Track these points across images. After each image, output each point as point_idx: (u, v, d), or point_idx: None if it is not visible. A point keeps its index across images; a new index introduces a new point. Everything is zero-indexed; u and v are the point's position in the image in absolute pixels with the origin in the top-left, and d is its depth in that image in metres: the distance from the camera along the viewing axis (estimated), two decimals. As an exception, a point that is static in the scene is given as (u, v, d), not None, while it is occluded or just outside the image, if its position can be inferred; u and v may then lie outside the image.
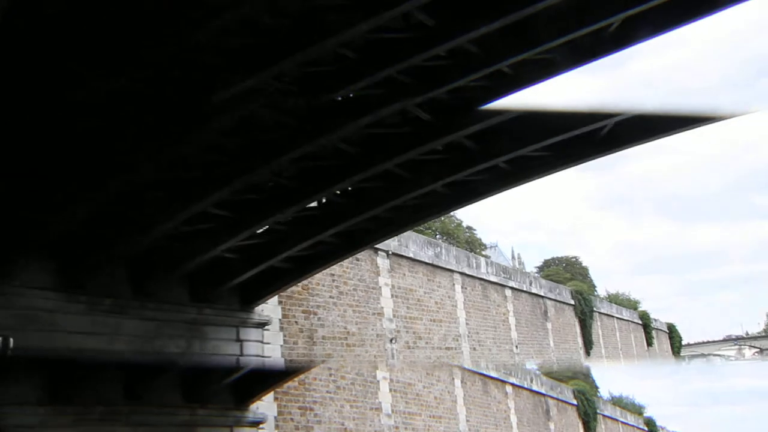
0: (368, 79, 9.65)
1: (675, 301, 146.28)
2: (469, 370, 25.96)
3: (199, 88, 8.77)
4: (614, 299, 56.43)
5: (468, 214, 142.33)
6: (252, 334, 15.51)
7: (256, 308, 15.61)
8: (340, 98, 10.15)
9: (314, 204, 13.10)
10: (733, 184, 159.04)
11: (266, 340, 16.36)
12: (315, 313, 18.77)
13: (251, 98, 9.25)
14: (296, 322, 18.04)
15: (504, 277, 31.26)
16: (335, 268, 19.99)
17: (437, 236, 51.86)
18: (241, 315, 15.19)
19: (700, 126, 11.32)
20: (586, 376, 41.53)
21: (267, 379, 15.27)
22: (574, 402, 33.77)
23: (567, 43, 9.97)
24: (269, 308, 17.15)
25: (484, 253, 64.03)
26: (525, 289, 33.28)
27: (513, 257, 64.87)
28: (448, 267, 26.30)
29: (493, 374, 27.59)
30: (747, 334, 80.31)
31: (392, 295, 22.32)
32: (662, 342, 55.05)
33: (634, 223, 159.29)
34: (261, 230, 13.30)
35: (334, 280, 19.83)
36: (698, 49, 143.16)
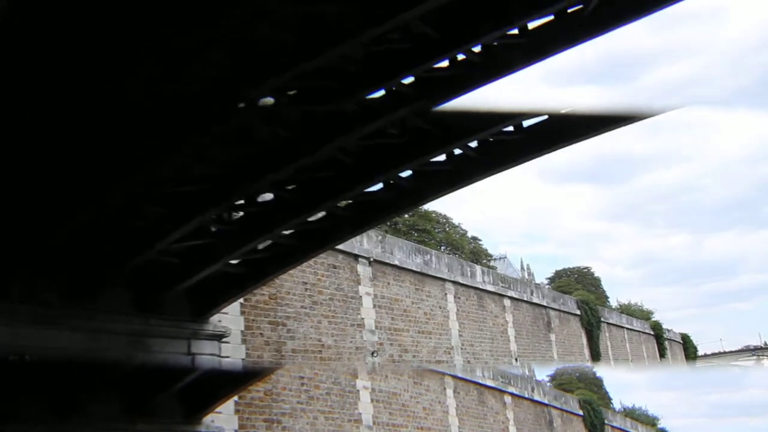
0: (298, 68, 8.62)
1: (691, 311, 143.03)
2: (462, 379, 24.64)
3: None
4: (626, 310, 54.86)
5: (476, 226, 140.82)
6: (206, 347, 14.33)
7: (212, 319, 14.47)
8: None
9: (268, 200, 12.09)
10: (746, 193, 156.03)
11: (225, 353, 15.17)
12: (284, 325, 17.59)
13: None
14: (261, 334, 16.87)
15: (502, 287, 29.94)
16: (309, 276, 18.87)
17: (441, 247, 50.67)
18: (192, 326, 13.98)
19: (635, 121, 10.28)
20: (598, 387, 40.26)
21: (222, 388, 14.12)
22: (580, 412, 32.26)
23: (544, 26, 8.97)
24: (229, 319, 16.02)
25: (491, 264, 62.79)
26: (526, 298, 31.92)
27: (522, 268, 63.19)
28: (439, 275, 25.07)
29: (491, 383, 26.24)
30: (765, 344, 77.98)
31: (375, 306, 21.11)
32: (676, 353, 53.20)
33: (648, 235, 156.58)
34: (214, 230, 12.27)
35: (307, 289, 18.68)
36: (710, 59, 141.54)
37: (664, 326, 51.30)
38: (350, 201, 12.61)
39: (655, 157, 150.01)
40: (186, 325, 13.72)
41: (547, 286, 46.47)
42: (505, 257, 67.00)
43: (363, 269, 20.96)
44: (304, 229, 12.81)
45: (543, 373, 36.93)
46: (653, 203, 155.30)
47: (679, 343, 54.56)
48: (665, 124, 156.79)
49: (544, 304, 33.73)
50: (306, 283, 18.71)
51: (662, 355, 49.05)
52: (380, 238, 22.35)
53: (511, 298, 30.35)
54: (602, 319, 39.72)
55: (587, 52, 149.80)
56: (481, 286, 27.99)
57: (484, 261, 52.44)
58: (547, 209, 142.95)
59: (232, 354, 15.66)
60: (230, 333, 15.14)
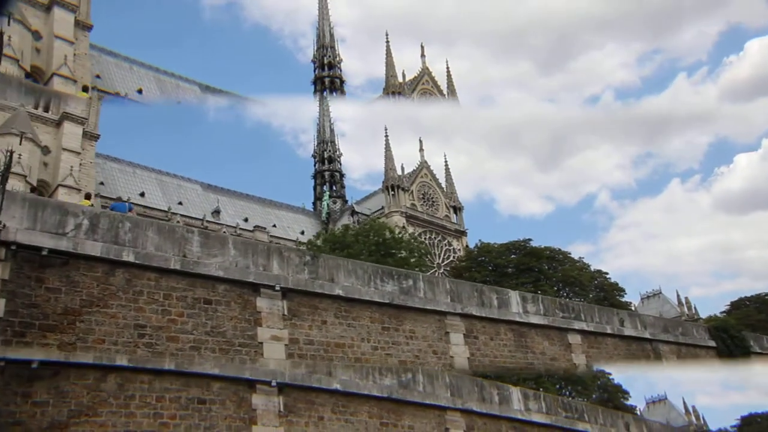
0: None
1: None
2: (485, 416, 17.19)
3: None
4: (821, 339, 42.36)
5: (657, 271, 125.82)
6: None
7: None
8: None
9: None
10: None
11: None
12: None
13: None
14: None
15: (563, 317, 22.00)
16: (150, 316, 13.09)
17: (559, 286, 42.33)
18: None
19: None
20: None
21: None
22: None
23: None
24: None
25: (637, 302, 52.72)
26: (611, 331, 23.49)
27: (680, 303, 52.48)
28: (432, 308, 18.11)
29: (541, 419, 18.42)
30: None
31: (291, 355, 14.74)
32: None
33: None
34: None
35: (143, 335, 12.80)
36: None
37: None
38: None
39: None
40: None
41: (635, 311, 36.26)
42: (660, 293, 56.40)
43: (268, 304, 14.79)
44: None
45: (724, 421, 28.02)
46: None
47: None
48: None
49: (647, 336, 24.88)
50: (144, 326, 12.98)
51: None
52: (308, 259, 16.10)
53: (582, 332, 22.25)
54: (756, 350, 29.41)
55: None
56: (520, 319, 20.42)
57: (616, 296, 43.27)
58: (732, 242, 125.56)
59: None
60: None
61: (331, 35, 79.99)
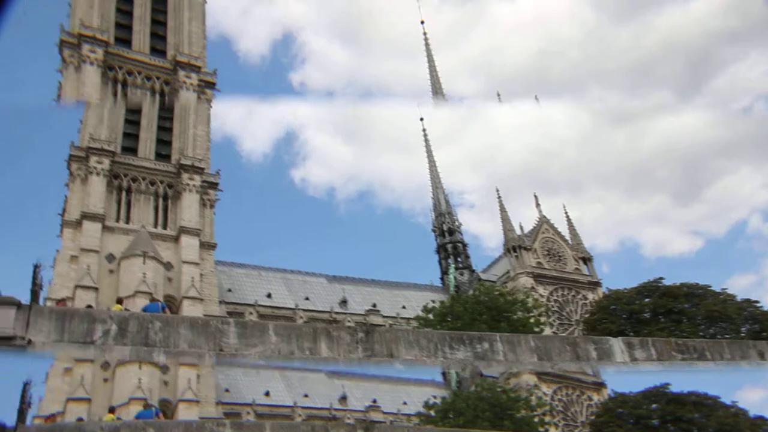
0: None
1: None
2: None
3: None
4: None
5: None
6: None
7: None
8: None
9: None
10: None
11: None
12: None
13: None
14: None
15: (684, 359, 19.29)
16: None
17: (705, 324, 38.21)
18: None
19: None
20: None
21: None
22: None
23: None
24: None
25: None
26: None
27: None
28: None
29: None
30: None
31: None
32: None
33: None
34: None
35: None
36: None
37: None
38: None
39: None
40: None
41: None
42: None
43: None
44: None
45: None
46: None
47: None
48: None
49: (798, 370, 21.38)
50: None
51: None
52: (360, 336, 14.93)
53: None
54: None
55: None
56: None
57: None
58: None
59: None
60: None
61: (447, 202, 78.81)
